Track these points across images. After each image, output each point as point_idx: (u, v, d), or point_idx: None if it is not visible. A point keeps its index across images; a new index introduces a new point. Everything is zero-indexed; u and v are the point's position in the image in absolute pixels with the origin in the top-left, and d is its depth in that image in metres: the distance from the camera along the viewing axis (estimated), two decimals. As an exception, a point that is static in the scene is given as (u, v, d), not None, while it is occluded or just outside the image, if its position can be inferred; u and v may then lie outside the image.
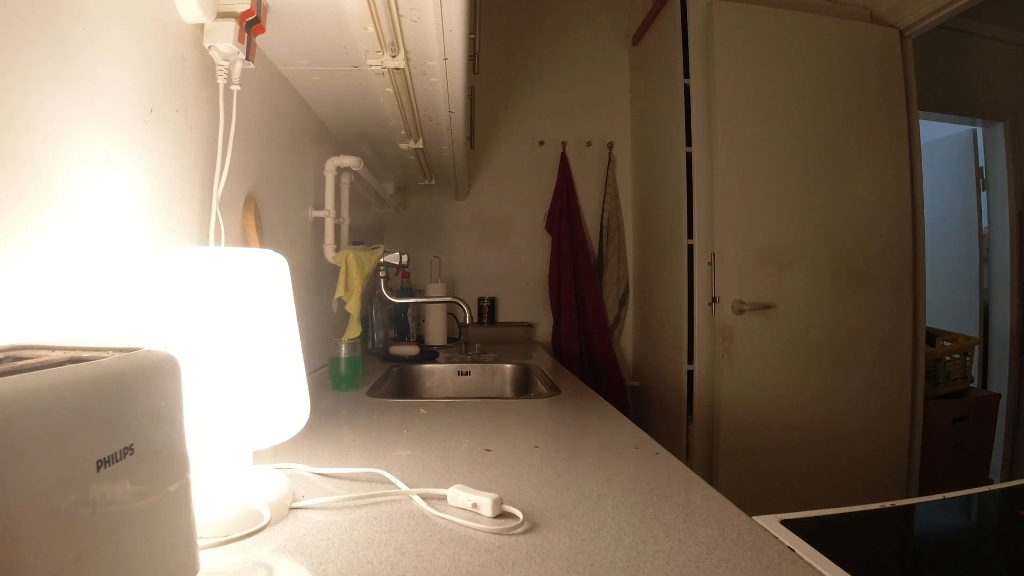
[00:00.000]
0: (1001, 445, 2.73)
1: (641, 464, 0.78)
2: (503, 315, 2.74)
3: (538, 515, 0.60)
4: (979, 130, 3.02)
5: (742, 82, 2.03)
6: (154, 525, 0.38)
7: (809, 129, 2.07)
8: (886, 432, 2.11)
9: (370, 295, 1.98)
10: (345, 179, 1.64)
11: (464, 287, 2.73)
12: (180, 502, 0.40)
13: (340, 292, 1.45)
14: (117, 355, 0.38)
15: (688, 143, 2.11)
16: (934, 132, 3.12)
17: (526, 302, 2.75)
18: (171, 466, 0.40)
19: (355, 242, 1.72)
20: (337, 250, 1.53)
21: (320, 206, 1.53)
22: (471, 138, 2.16)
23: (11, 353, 0.38)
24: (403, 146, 1.74)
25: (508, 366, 1.83)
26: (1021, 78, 2.90)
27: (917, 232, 2.17)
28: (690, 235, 2.10)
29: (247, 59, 0.87)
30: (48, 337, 0.54)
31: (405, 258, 1.66)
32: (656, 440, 0.89)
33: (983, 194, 3.01)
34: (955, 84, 2.81)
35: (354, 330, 1.44)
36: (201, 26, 0.82)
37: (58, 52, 0.55)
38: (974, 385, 2.62)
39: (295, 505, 0.63)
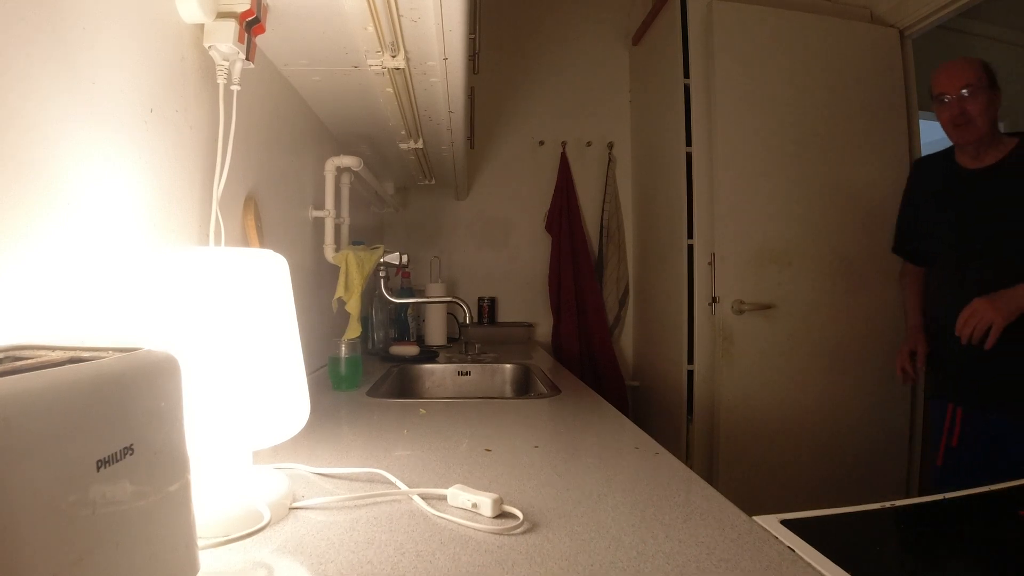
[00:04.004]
0: (1001, 445, 2.73)
1: (641, 464, 0.78)
2: (503, 315, 2.74)
3: (538, 515, 0.60)
4: (979, 130, 3.01)
5: (742, 82, 2.03)
6: (154, 525, 0.38)
7: (809, 129, 2.07)
8: (886, 432, 2.11)
9: (370, 295, 1.98)
10: (345, 179, 1.64)
11: (464, 287, 2.73)
12: (180, 502, 0.40)
13: (340, 292, 1.45)
14: (117, 355, 0.38)
15: (688, 143, 2.11)
16: (934, 132, 3.11)
17: (526, 302, 2.75)
18: (171, 466, 0.40)
19: (355, 242, 1.72)
20: (337, 250, 1.53)
21: (320, 206, 1.53)
22: (471, 138, 2.16)
23: (11, 353, 0.38)
24: (403, 146, 1.74)
25: (508, 366, 1.82)
26: (1021, 78, 2.90)
27: (917, 232, 2.16)
28: (690, 235, 2.10)
29: (247, 59, 0.87)
30: (48, 337, 0.54)
31: (405, 258, 1.66)
32: (656, 440, 0.89)
33: (983, 194, 3.01)
34: (955, 84, 2.80)
35: (354, 330, 1.44)
36: (201, 26, 0.82)
37: (58, 52, 0.55)
38: (974, 385, 2.61)
39: (295, 505, 0.63)
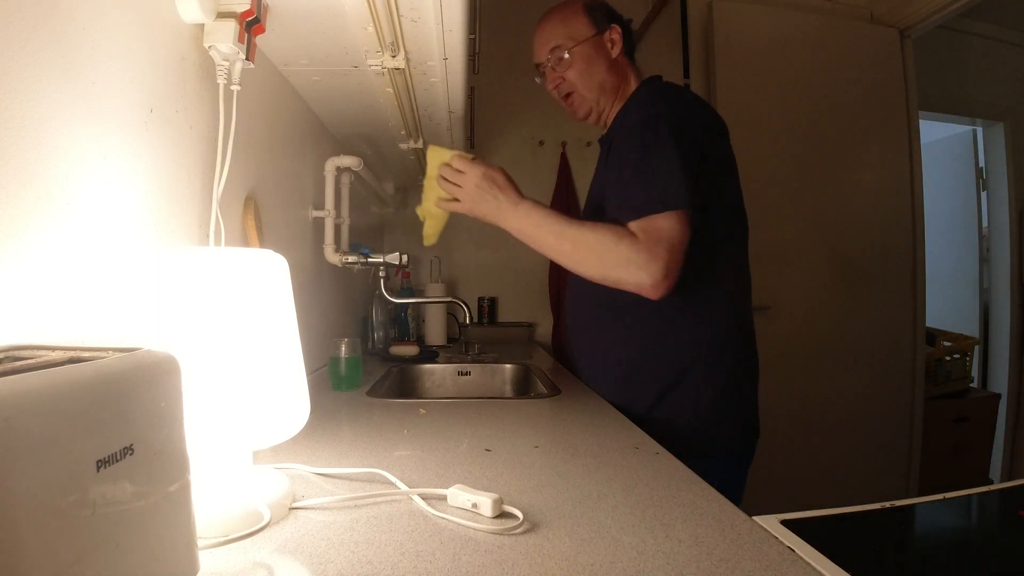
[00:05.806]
0: (1001, 445, 2.73)
1: (641, 464, 0.78)
2: (503, 315, 2.73)
3: (538, 515, 0.60)
4: (979, 130, 3.02)
5: (742, 82, 2.03)
6: (154, 525, 0.38)
7: (809, 129, 2.07)
8: (886, 432, 2.11)
9: (370, 295, 1.98)
10: (345, 179, 1.64)
11: (464, 287, 2.72)
12: (180, 502, 0.40)
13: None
14: (117, 355, 0.38)
15: (688, 143, 2.11)
16: (934, 132, 3.12)
17: (526, 302, 2.75)
18: (171, 466, 0.40)
19: (354, 244, 1.72)
20: (337, 250, 1.53)
21: (320, 206, 1.53)
22: (471, 138, 2.16)
23: (11, 353, 0.38)
24: (403, 146, 1.74)
25: (508, 366, 1.82)
26: (1021, 78, 2.90)
27: (917, 232, 2.17)
28: (690, 235, 2.10)
29: (247, 59, 0.87)
30: (48, 337, 0.54)
31: (405, 258, 1.66)
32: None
33: (983, 194, 3.01)
34: (955, 84, 2.81)
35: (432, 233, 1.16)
36: (201, 26, 0.82)
37: (58, 52, 0.55)
38: (974, 385, 2.62)
39: (295, 505, 0.63)
